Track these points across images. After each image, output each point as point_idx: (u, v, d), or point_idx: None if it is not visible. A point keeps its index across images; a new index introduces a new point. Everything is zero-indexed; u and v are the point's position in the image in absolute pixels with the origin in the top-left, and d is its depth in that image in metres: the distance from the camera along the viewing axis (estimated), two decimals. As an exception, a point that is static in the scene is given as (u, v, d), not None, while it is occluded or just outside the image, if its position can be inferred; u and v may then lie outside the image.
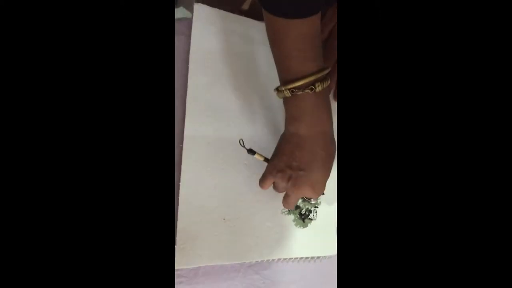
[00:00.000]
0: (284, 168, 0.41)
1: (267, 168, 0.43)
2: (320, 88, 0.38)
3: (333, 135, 0.42)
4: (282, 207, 0.50)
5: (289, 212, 0.51)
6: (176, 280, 0.44)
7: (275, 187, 0.44)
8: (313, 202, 0.53)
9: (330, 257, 0.54)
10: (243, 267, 0.48)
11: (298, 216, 0.52)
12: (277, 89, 0.41)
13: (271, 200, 0.50)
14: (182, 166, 0.44)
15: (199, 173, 0.45)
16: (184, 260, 0.43)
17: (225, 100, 0.48)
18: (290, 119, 0.42)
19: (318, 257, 0.53)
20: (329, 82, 0.40)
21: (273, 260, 0.50)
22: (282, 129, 0.50)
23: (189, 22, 0.46)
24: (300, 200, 0.52)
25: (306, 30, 0.36)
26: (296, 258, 0.52)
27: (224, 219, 0.46)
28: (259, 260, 0.48)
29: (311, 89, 0.38)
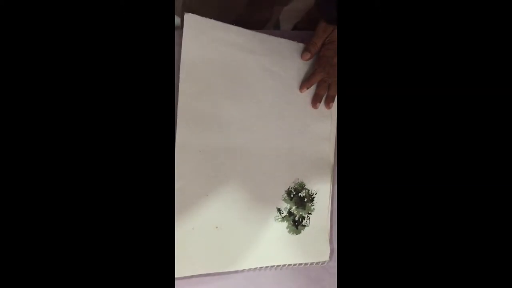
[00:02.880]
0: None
1: None
2: None
3: None
4: (276, 214, 0.51)
5: (283, 219, 0.51)
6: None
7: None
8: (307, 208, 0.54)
9: (323, 263, 0.54)
10: (237, 275, 0.48)
11: (292, 223, 0.52)
12: None
13: (264, 208, 0.50)
14: (174, 175, 0.44)
15: (191, 182, 0.45)
16: (177, 269, 0.43)
17: (216, 108, 0.48)
18: None
19: (312, 264, 0.53)
20: None
21: (266, 267, 0.50)
22: (273, 136, 0.50)
23: (179, 31, 0.47)
24: (294, 207, 0.52)
25: None
26: (289, 265, 0.52)
27: (216, 227, 0.46)
28: (252, 268, 0.48)
29: None
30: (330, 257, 0.54)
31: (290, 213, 0.52)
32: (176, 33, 0.47)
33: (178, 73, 0.46)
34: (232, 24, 0.50)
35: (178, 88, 0.46)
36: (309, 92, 0.55)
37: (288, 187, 0.52)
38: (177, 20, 0.54)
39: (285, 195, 0.52)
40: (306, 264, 0.53)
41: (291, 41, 0.54)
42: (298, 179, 0.53)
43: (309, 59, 0.54)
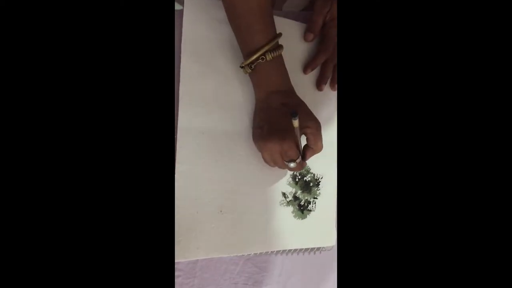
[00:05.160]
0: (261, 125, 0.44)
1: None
2: (271, 57, 0.42)
3: (289, 91, 0.46)
4: (281, 199, 0.50)
5: (288, 203, 0.50)
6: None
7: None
8: (312, 192, 0.53)
9: (329, 248, 0.53)
10: (242, 260, 0.47)
11: (297, 207, 0.51)
12: (241, 66, 0.44)
13: (269, 192, 0.49)
14: (177, 158, 0.43)
15: (194, 165, 0.44)
16: (181, 253, 0.43)
17: (218, 90, 0.47)
18: (253, 87, 0.46)
19: (318, 249, 0.52)
20: (281, 50, 0.43)
21: (272, 252, 0.49)
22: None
23: (180, 11, 0.45)
24: (299, 192, 0.51)
25: (253, 4, 0.40)
26: (295, 250, 0.51)
27: (221, 211, 0.45)
28: (258, 253, 0.48)
29: (262, 59, 0.42)
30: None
31: (295, 198, 0.51)
32: (177, 13, 0.45)
33: (179, 54, 0.45)
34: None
35: (179, 69, 0.45)
36: (313, 74, 0.54)
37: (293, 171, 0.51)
38: (176, 4, 0.53)
39: (290, 179, 0.51)
40: (312, 249, 0.52)
41: (294, 21, 0.53)
42: (303, 164, 0.52)
43: (312, 39, 0.52)
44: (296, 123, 0.37)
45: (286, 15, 0.53)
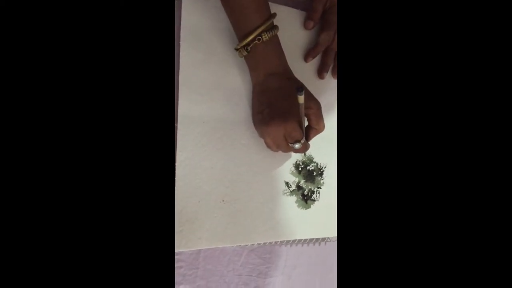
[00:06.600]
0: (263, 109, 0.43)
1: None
2: (267, 38, 0.41)
3: (287, 72, 0.45)
4: (284, 188, 0.49)
5: (291, 193, 0.50)
6: (176, 265, 0.42)
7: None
8: (316, 181, 0.52)
9: (334, 238, 0.52)
10: (245, 251, 0.46)
11: (301, 197, 0.50)
12: (236, 49, 0.43)
13: (272, 181, 0.48)
14: (177, 146, 0.43)
15: (195, 153, 0.44)
16: (183, 243, 0.42)
17: (219, 78, 0.46)
18: (249, 71, 0.45)
19: (323, 239, 0.51)
20: (277, 30, 0.42)
21: (275, 243, 0.48)
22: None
23: (178, 1, 0.45)
24: (302, 181, 0.51)
25: None
26: (299, 241, 0.50)
27: (223, 200, 0.45)
28: (261, 243, 0.47)
29: (259, 40, 0.41)
30: (342, 232, 0.52)
31: (298, 187, 0.50)
32: (176, 2, 0.45)
33: (179, 42, 0.44)
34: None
35: (179, 57, 0.44)
36: (315, 62, 0.53)
37: (295, 160, 0.50)
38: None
39: (293, 168, 0.50)
40: (317, 239, 0.51)
41: (293, 9, 0.53)
42: (306, 152, 0.51)
43: (313, 27, 0.52)
44: (301, 98, 0.36)
45: (286, 3, 0.52)
